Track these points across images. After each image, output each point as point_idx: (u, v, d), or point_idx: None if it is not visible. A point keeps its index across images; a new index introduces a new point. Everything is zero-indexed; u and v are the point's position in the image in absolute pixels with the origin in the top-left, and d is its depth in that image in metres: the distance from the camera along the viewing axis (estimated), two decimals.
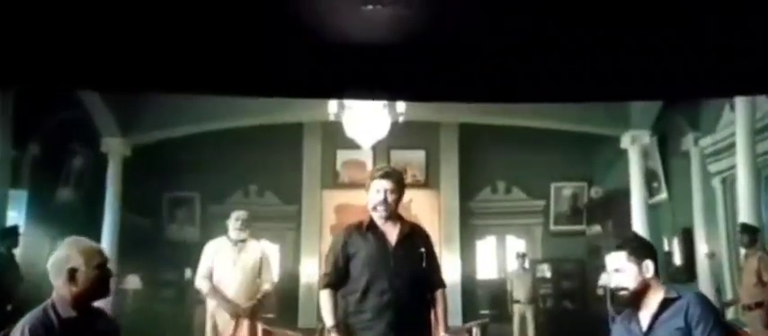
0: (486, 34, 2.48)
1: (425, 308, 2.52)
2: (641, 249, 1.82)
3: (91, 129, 6.83)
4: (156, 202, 8.11)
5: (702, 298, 1.77)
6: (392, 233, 2.51)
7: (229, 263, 3.81)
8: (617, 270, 1.81)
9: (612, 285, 1.81)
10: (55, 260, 1.83)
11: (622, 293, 1.79)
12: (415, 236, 2.56)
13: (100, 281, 1.85)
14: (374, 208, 2.51)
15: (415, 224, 2.67)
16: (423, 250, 2.52)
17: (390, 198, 2.50)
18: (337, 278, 2.50)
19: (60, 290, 1.82)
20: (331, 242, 2.65)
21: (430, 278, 2.55)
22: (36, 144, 6.50)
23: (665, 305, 1.74)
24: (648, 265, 1.78)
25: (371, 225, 2.53)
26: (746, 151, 4.80)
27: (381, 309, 2.40)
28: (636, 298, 1.78)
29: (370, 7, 2.23)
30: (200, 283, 3.84)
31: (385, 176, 2.52)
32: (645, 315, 1.78)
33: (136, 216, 7.44)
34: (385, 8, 2.26)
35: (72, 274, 1.80)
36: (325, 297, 2.50)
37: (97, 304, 1.91)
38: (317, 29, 2.31)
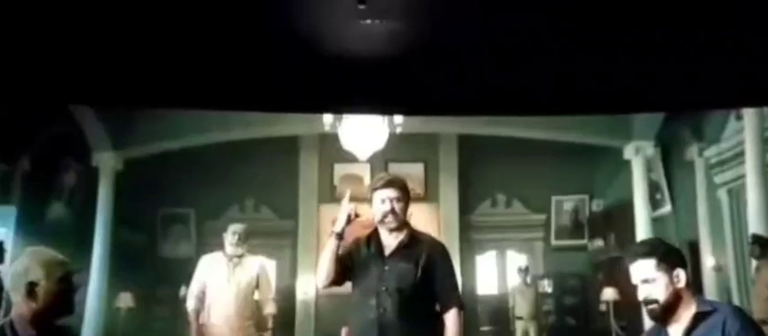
0: (486, 47, 2.43)
1: (426, 330, 2.27)
2: (672, 256, 1.67)
3: (84, 144, 6.70)
4: (150, 218, 7.95)
5: (740, 312, 1.61)
6: (390, 243, 2.34)
7: (223, 280, 3.59)
8: (645, 281, 1.64)
9: (641, 297, 1.65)
10: (12, 273, 1.66)
11: (652, 306, 1.62)
12: (415, 245, 2.33)
13: (62, 297, 1.65)
14: (382, 220, 2.33)
15: (422, 233, 2.45)
16: (421, 261, 2.29)
17: (398, 206, 2.32)
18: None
19: (19, 307, 1.63)
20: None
21: (435, 294, 2.31)
22: (27, 158, 6.35)
23: (699, 319, 1.58)
24: (680, 274, 1.63)
25: (374, 237, 2.36)
26: (756, 160, 4.69)
27: (367, 327, 2.24)
28: (667, 312, 1.62)
29: (369, 21, 2.20)
30: (189, 302, 3.65)
31: (388, 184, 2.35)
32: (676, 331, 1.62)
33: (129, 232, 7.27)
34: (383, 22, 2.22)
35: (31, 288, 1.61)
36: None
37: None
38: (315, 43, 2.27)
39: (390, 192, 2.33)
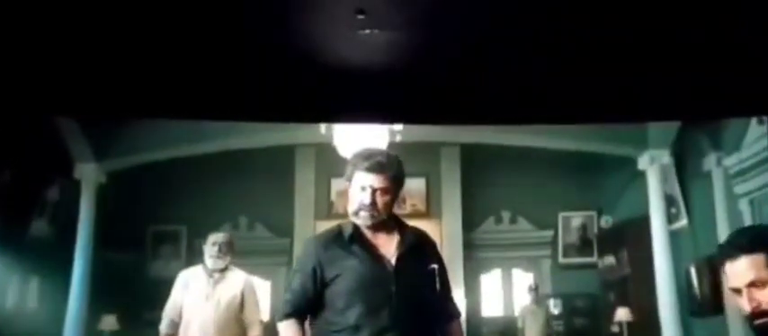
0: (487, 54, 2.33)
1: None
2: None
3: (68, 156, 6.40)
4: (139, 236, 7.61)
5: None
6: (388, 245, 1.83)
7: (201, 298, 3.20)
8: (752, 284, 1.25)
9: (747, 307, 1.25)
10: None
11: (764, 320, 1.23)
12: (422, 248, 1.89)
13: None
14: (356, 213, 1.83)
15: (419, 229, 1.97)
16: (434, 266, 1.85)
17: (381, 200, 1.80)
18: (306, 307, 1.84)
19: None
20: (298, 255, 1.96)
21: (442, 305, 1.88)
22: (7, 170, 6.04)
23: None
24: None
25: (357, 235, 1.83)
26: None
27: None
28: None
29: (368, 32, 2.13)
30: (161, 326, 3.25)
31: (374, 169, 1.81)
32: None
33: (115, 251, 6.94)
34: (382, 32, 2.15)
35: None
36: (287, 330, 1.84)
37: None
38: (314, 53, 2.21)
39: (374, 179, 1.80)
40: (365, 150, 1.92)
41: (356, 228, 1.84)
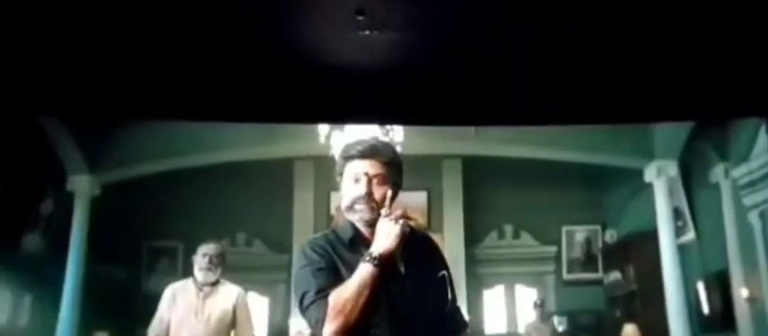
0: (488, 55, 2.29)
1: None
2: None
3: (62, 167, 6.28)
4: (134, 251, 7.48)
5: None
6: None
7: (190, 314, 3.02)
8: None
9: None
10: None
11: None
12: (430, 252, 1.64)
13: None
14: (351, 207, 1.55)
15: (423, 232, 1.74)
16: (444, 272, 1.62)
17: (378, 190, 1.54)
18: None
19: None
20: (306, 255, 1.58)
21: (451, 315, 1.64)
22: None
23: None
24: None
25: (360, 238, 1.55)
26: None
27: None
28: None
29: (368, 32, 2.09)
30: None
31: (367, 153, 1.56)
32: None
33: (109, 266, 6.79)
34: (381, 33, 2.11)
35: None
36: (331, 298, 1.45)
37: None
38: (313, 53, 2.19)
39: (370, 166, 1.54)
40: (355, 138, 1.67)
41: (356, 230, 1.58)
